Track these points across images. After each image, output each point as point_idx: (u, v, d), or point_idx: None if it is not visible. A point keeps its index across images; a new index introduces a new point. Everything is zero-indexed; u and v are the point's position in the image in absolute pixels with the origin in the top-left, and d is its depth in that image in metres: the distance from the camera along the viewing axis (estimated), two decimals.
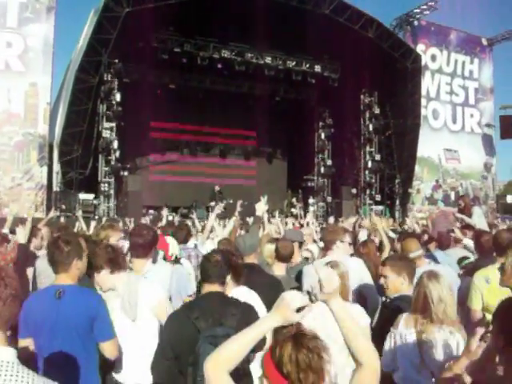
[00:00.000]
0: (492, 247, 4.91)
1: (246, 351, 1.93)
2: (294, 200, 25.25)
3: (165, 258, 5.64)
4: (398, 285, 3.98)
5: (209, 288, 3.35)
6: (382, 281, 4.10)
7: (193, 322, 3.10)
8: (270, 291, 4.02)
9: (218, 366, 1.88)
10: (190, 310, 3.21)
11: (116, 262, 3.83)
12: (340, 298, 2.02)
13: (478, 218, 8.36)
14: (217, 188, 22.40)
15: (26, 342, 3.28)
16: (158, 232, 6.17)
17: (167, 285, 4.51)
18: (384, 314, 4.18)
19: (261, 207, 5.70)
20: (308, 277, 4.70)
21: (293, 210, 24.19)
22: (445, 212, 11.13)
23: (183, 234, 6.73)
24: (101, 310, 3.38)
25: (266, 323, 1.94)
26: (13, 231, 7.27)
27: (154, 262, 4.70)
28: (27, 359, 3.27)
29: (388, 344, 3.50)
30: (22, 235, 6.62)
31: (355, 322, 2.03)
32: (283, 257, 5.32)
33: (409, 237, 6.01)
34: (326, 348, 1.82)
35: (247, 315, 3.10)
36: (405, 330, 3.40)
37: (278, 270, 5.27)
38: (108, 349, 3.41)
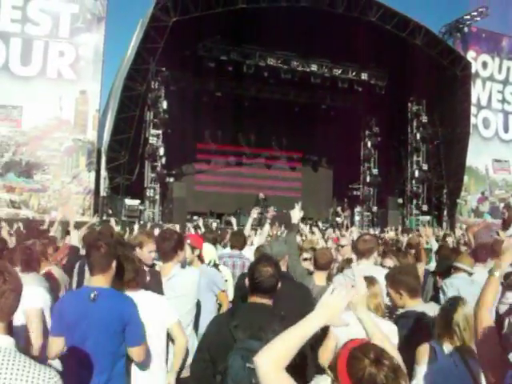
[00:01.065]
0: None
1: (295, 350, 1.94)
2: (339, 209, 25.03)
3: (199, 257, 5.71)
4: (397, 300, 3.94)
5: (256, 299, 3.23)
6: (386, 299, 4.04)
7: (230, 330, 2.99)
8: (298, 299, 3.96)
9: (275, 365, 1.89)
10: (231, 317, 3.13)
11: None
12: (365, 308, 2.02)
13: None
14: (261, 195, 22.42)
15: (58, 340, 3.35)
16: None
17: (193, 289, 4.43)
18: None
19: (296, 214, 5.61)
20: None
21: (338, 219, 23.99)
22: (488, 224, 10.78)
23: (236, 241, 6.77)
24: (134, 314, 3.40)
25: (314, 323, 1.98)
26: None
27: (184, 266, 4.70)
28: (56, 356, 3.36)
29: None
30: (74, 238, 6.78)
31: (380, 330, 2.01)
32: (321, 265, 5.27)
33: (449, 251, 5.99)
34: (404, 371, 1.84)
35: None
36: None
37: (318, 279, 5.23)
38: (137, 353, 3.43)
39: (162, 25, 18.08)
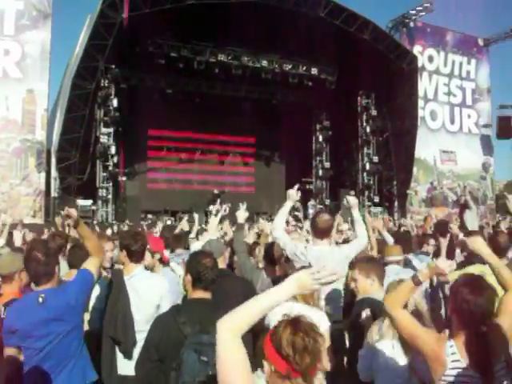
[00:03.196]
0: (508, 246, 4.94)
1: (259, 316, 1.95)
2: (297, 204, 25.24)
3: (161, 260, 5.70)
4: (367, 286, 3.96)
5: (199, 293, 3.32)
6: (352, 285, 4.08)
7: (179, 327, 3.07)
8: (240, 295, 4.04)
9: (232, 328, 1.91)
10: (177, 314, 3.19)
11: None
12: None
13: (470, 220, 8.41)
14: (215, 191, 22.43)
15: (11, 351, 3.32)
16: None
17: (151, 292, 4.31)
18: (353, 316, 4.14)
19: (241, 215, 5.74)
20: None
21: (296, 213, 24.21)
22: (449, 215, 11.21)
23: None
24: (79, 298, 3.44)
25: (285, 290, 2.00)
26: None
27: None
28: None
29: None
30: (18, 239, 6.69)
31: None
32: (271, 260, 5.37)
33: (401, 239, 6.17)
34: (321, 333, 1.91)
35: None
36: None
37: (269, 273, 5.32)
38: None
39: (110, 22, 17.84)
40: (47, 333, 3.23)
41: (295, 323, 1.88)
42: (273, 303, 1.97)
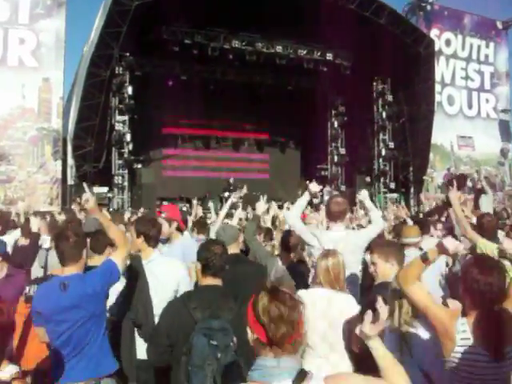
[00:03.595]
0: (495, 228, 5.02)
1: None
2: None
3: (179, 229, 5.75)
4: (386, 270, 3.94)
5: (209, 280, 3.39)
6: (371, 269, 4.07)
7: (190, 312, 3.14)
8: (255, 279, 4.07)
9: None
10: (188, 300, 3.25)
11: None
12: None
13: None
14: (231, 180, 22.45)
15: (39, 330, 3.40)
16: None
17: (170, 276, 4.33)
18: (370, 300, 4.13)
19: (260, 206, 5.85)
20: None
21: (314, 199, 24.15)
22: (466, 200, 11.12)
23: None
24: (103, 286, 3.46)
25: None
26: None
27: (163, 242, 4.80)
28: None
29: None
30: (34, 224, 6.82)
31: None
32: (286, 247, 5.42)
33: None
34: (300, 303, 1.91)
35: (244, 309, 3.08)
36: None
37: (284, 259, 5.38)
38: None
39: (124, 9, 17.79)
40: (65, 319, 3.27)
41: (273, 292, 1.89)
42: None
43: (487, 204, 8.43)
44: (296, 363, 1.86)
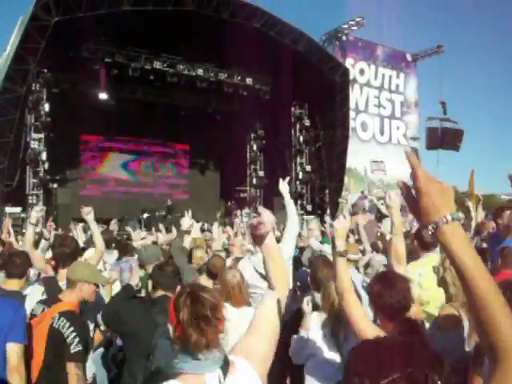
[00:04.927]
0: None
1: None
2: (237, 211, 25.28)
3: None
4: None
5: (162, 292, 3.67)
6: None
7: (152, 316, 3.29)
8: None
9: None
10: (151, 304, 3.36)
11: None
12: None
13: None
14: (169, 202, 22.39)
15: None
16: None
17: None
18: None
19: (186, 222, 5.87)
20: None
21: (236, 220, 24.24)
22: (372, 221, 11.66)
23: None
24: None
25: None
26: None
27: None
28: None
29: None
30: None
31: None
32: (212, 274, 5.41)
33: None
34: (218, 303, 1.97)
35: None
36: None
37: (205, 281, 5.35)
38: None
39: (43, 24, 17.36)
40: None
41: (193, 291, 1.96)
42: None
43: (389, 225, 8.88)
44: (221, 352, 1.92)
